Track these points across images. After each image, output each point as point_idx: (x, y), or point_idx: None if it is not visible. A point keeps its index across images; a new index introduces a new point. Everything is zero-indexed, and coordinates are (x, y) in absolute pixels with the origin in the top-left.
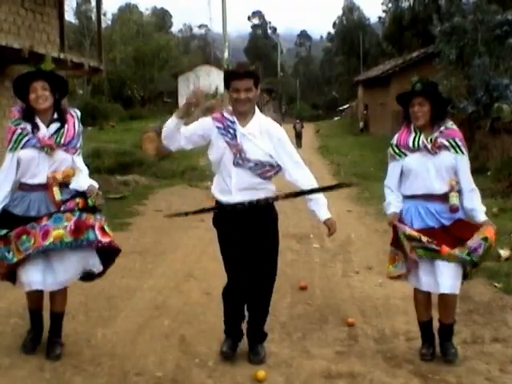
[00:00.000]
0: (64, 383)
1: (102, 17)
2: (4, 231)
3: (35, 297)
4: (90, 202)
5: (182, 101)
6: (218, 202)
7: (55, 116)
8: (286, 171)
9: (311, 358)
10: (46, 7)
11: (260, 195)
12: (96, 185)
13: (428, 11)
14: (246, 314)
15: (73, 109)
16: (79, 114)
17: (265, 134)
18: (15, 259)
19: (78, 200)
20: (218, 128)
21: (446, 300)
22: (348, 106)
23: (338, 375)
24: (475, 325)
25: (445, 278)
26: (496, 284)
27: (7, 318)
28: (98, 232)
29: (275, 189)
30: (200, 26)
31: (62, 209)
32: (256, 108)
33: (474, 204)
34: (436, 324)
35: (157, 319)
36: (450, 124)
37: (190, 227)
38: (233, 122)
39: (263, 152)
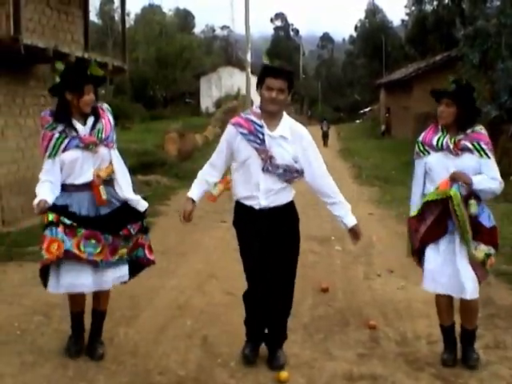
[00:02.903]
0: (87, 381)
1: (126, 17)
2: (69, 221)
3: (79, 298)
4: (144, 223)
5: (203, 102)
6: (239, 204)
7: (89, 114)
8: (311, 175)
9: (333, 360)
10: (71, 7)
11: (283, 199)
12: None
13: (451, 15)
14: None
15: (101, 103)
16: (109, 107)
17: (296, 136)
18: (74, 251)
19: (139, 223)
20: (243, 134)
21: (468, 305)
22: (370, 109)
23: (360, 377)
24: (497, 329)
25: (468, 282)
26: None
27: (31, 315)
28: (146, 251)
29: (294, 192)
30: (222, 27)
31: (132, 232)
32: (284, 112)
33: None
34: (458, 329)
35: (179, 319)
36: (479, 128)
37: (212, 228)
38: (261, 126)
39: (291, 157)
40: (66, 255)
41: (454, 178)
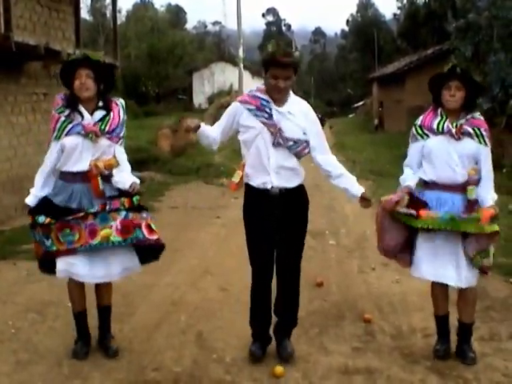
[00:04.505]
0: (82, 379)
1: (117, 13)
2: (43, 218)
3: (79, 296)
4: (135, 200)
5: (196, 97)
6: (250, 187)
7: (100, 104)
8: (315, 150)
9: (328, 354)
10: (62, 4)
11: (294, 180)
12: (137, 181)
13: (443, 8)
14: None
15: (117, 98)
16: (123, 102)
17: (302, 113)
18: (54, 248)
19: (123, 199)
20: (250, 110)
21: (466, 295)
22: (362, 103)
23: (355, 371)
24: (492, 321)
25: (466, 271)
26: None
27: (25, 313)
28: (144, 230)
29: (304, 174)
30: (214, 23)
31: (107, 208)
32: (291, 91)
33: (487, 192)
34: (453, 321)
35: (174, 315)
36: (478, 114)
37: (207, 223)
38: (268, 102)
39: (300, 129)
40: (46, 256)
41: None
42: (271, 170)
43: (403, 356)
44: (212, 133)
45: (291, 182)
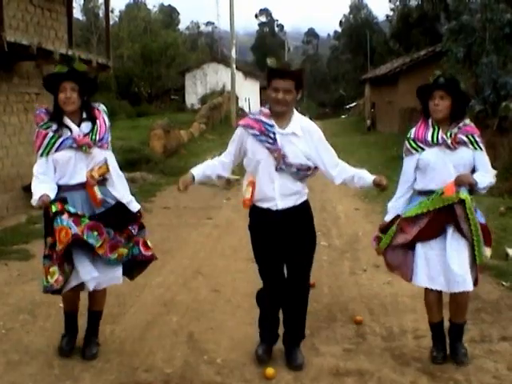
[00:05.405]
0: (73, 379)
1: (110, 14)
2: (74, 210)
3: (73, 298)
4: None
5: (188, 98)
6: (255, 207)
7: (84, 115)
8: (329, 170)
9: (319, 356)
10: (55, 4)
11: (298, 199)
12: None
13: (436, 9)
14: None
15: (98, 104)
16: (105, 108)
17: (306, 133)
18: (81, 235)
19: (138, 223)
20: (254, 135)
21: (458, 299)
22: (355, 104)
23: (347, 373)
24: (483, 323)
25: (459, 275)
26: (503, 283)
27: (16, 314)
28: (141, 247)
29: (308, 192)
30: (207, 24)
31: (134, 233)
32: (294, 110)
33: (477, 174)
34: (446, 324)
35: (165, 316)
36: (468, 121)
37: (199, 224)
38: (271, 126)
39: (303, 155)
40: (75, 238)
41: (460, 182)
42: (277, 195)
43: (394, 357)
44: (213, 171)
45: (296, 202)
